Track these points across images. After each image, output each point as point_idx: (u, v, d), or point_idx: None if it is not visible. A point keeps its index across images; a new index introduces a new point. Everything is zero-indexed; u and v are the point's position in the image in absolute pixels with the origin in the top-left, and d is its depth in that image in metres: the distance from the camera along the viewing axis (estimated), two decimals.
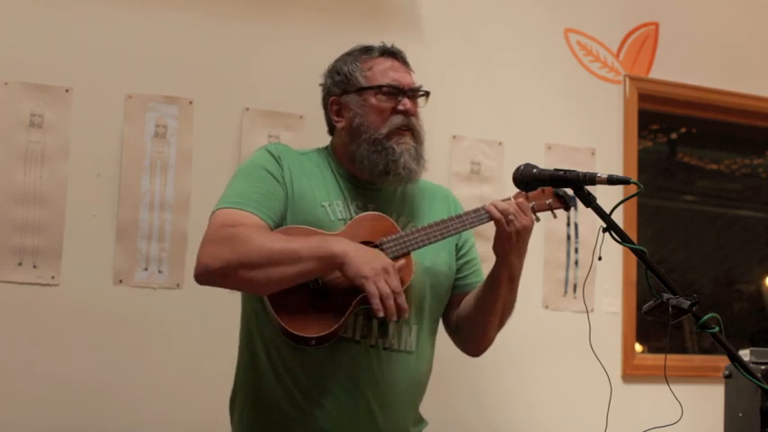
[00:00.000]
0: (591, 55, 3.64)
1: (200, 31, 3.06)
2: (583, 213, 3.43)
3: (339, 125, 2.07)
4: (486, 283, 2.06)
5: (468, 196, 3.13)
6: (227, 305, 2.61)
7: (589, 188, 1.84)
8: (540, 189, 2.06)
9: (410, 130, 2.03)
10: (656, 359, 3.59)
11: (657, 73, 3.74)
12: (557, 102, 3.55)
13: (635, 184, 1.82)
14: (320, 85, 2.14)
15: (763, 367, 2.64)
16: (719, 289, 4.20)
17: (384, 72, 2.05)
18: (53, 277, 2.81)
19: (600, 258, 1.79)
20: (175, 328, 2.91)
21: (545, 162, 3.42)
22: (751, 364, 2.51)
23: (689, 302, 1.73)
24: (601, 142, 3.60)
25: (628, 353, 3.53)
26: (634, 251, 1.78)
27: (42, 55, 2.88)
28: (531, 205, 2.03)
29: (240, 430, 2.02)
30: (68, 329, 2.81)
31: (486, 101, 3.43)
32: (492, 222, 1.99)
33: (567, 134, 3.55)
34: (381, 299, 1.77)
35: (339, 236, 1.90)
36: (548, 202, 2.07)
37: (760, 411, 2.63)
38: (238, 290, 1.99)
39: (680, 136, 4.07)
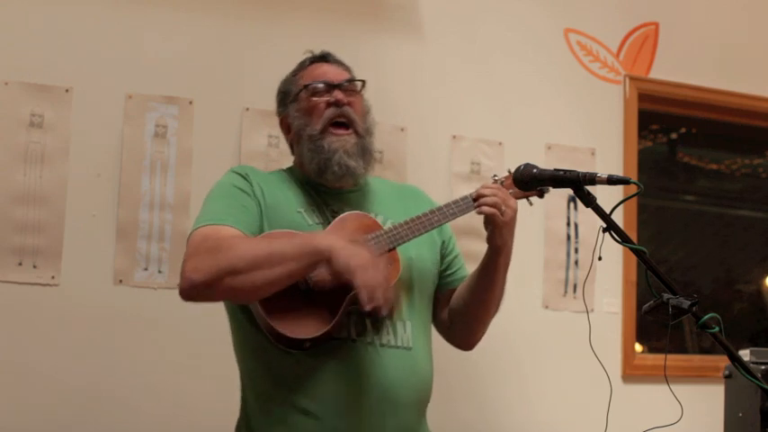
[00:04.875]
0: (591, 55, 3.64)
1: (200, 31, 3.06)
2: (583, 213, 3.44)
3: (289, 139, 2.13)
4: (481, 273, 2.06)
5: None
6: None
7: (589, 188, 1.85)
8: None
9: (347, 122, 2.04)
10: (656, 359, 3.59)
11: (657, 73, 3.74)
12: (557, 102, 3.55)
13: (635, 184, 1.82)
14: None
15: (763, 367, 2.64)
16: (719, 289, 4.20)
17: (313, 75, 2.09)
18: (53, 277, 2.81)
19: (600, 258, 1.80)
20: (175, 328, 2.91)
21: (545, 162, 3.42)
22: (751, 364, 2.52)
23: (689, 302, 1.73)
24: (601, 142, 3.60)
25: (628, 353, 3.53)
26: (634, 251, 1.78)
27: (42, 55, 2.88)
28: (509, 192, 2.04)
29: None
30: (68, 329, 2.81)
31: (486, 101, 3.43)
32: (473, 213, 2.00)
33: (567, 134, 3.55)
34: (370, 292, 1.75)
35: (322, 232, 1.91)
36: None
37: (760, 411, 2.63)
38: (226, 300, 1.96)
39: (680, 136, 4.07)
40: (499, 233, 2.00)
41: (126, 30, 2.97)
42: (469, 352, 3.22)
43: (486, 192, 1.99)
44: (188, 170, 2.98)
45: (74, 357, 2.80)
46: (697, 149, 4.12)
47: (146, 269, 2.91)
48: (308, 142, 2.04)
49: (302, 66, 2.15)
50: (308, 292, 1.87)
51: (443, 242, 2.16)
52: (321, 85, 2.06)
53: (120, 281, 2.89)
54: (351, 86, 2.09)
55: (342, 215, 1.99)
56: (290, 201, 2.01)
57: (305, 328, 1.83)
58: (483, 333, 2.14)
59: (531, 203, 2.12)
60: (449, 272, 2.15)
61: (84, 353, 2.82)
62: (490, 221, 1.99)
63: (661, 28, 3.78)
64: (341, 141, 2.02)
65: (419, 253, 2.05)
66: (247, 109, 3.07)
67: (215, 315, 2.92)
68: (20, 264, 2.79)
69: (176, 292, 2.91)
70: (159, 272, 2.92)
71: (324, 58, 2.14)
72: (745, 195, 4.24)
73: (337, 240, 1.83)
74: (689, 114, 3.93)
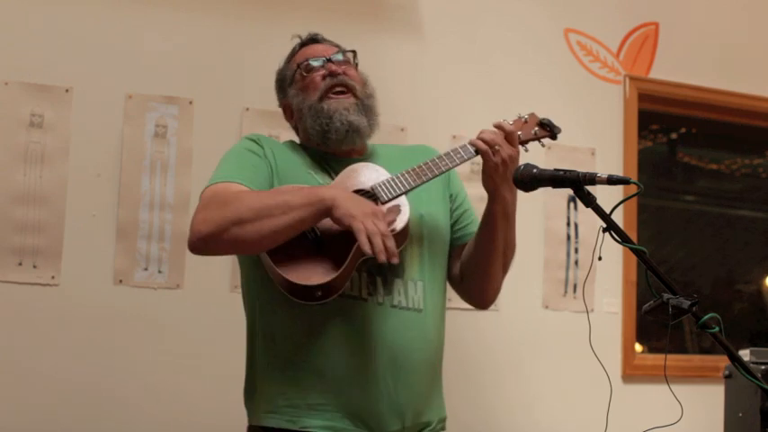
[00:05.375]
0: (591, 55, 3.64)
1: (200, 31, 3.06)
2: (583, 213, 3.44)
3: (293, 122, 2.16)
4: (482, 223, 2.06)
5: (469, 196, 3.16)
6: (227, 305, 2.61)
7: (589, 188, 1.84)
8: (522, 120, 2.09)
9: (346, 90, 2.06)
10: (656, 359, 3.59)
11: (657, 73, 3.74)
12: (557, 102, 3.54)
13: (635, 184, 1.82)
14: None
15: (763, 367, 2.64)
16: (719, 289, 4.20)
17: (305, 55, 2.13)
18: (53, 277, 2.81)
19: (600, 258, 1.79)
20: (175, 328, 2.91)
21: (545, 162, 3.40)
22: (751, 364, 2.52)
23: (689, 302, 1.73)
24: (601, 142, 3.60)
25: (628, 353, 3.53)
26: (634, 251, 1.78)
27: (42, 55, 2.88)
28: (517, 134, 2.03)
29: (260, 415, 1.96)
30: (68, 329, 2.81)
31: (486, 101, 3.43)
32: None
33: (567, 134, 3.50)
34: (368, 236, 1.77)
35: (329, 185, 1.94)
36: (533, 131, 2.09)
37: (760, 411, 2.63)
38: (233, 251, 1.98)
39: (680, 136, 4.07)
40: (489, 175, 2.00)
41: (126, 30, 2.97)
42: (469, 351, 3.23)
43: (486, 130, 2.00)
44: (188, 170, 2.98)
45: (74, 357, 2.80)
46: (697, 149, 4.12)
47: (146, 269, 2.91)
48: (308, 112, 2.06)
49: (293, 51, 2.18)
50: (316, 243, 1.88)
51: (451, 195, 2.15)
52: (314, 62, 2.09)
53: (120, 281, 2.89)
54: (344, 58, 2.12)
55: (351, 166, 2.00)
56: (300, 166, 2.03)
57: (315, 277, 1.83)
58: (494, 291, 2.11)
59: (543, 145, 2.13)
60: (458, 226, 2.14)
61: (84, 353, 2.82)
62: (483, 162, 1.99)
63: (661, 28, 3.78)
64: (339, 102, 2.04)
65: (429, 210, 2.05)
66: (247, 109, 3.07)
67: (215, 315, 2.93)
68: (20, 264, 2.79)
69: (176, 292, 2.94)
70: (159, 272, 2.92)
71: (313, 39, 2.17)
72: (745, 195, 4.24)
73: (341, 191, 1.87)
74: (689, 114, 3.93)
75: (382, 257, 1.78)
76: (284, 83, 2.16)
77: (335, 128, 2.02)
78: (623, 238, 1.80)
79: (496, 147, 1.96)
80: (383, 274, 1.94)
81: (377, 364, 1.89)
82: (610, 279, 3.51)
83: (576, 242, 3.50)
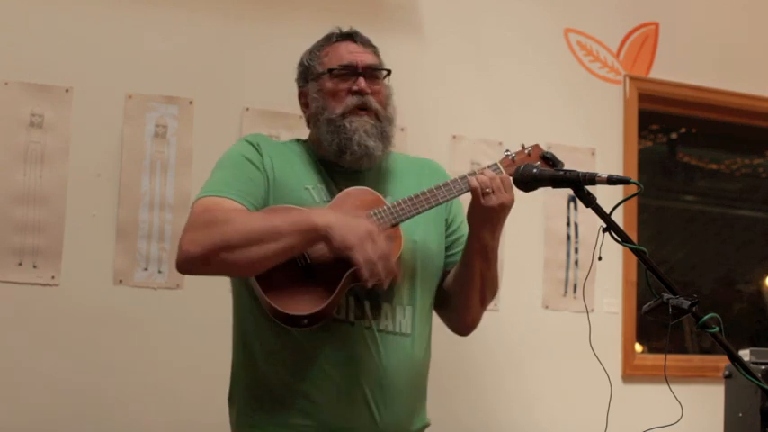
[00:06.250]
0: (591, 55, 3.65)
1: (200, 31, 3.06)
2: (583, 213, 3.44)
3: (306, 114, 2.10)
4: (462, 256, 2.04)
5: (469, 197, 3.15)
6: (227, 305, 2.61)
7: (589, 188, 1.85)
8: (525, 152, 2.05)
9: (369, 109, 2.02)
10: (656, 359, 3.59)
11: (657, 73, 3.74)
12: (557, 102, 3.55)
13: (635, 184, 1.82)
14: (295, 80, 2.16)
15: (763, 367, 2.64)
16: (719, 289, 4.20)
17: (339, 55, 2.06)
18: (53, 277, 2.81)
19: (600, 258, 1.79)
20: (175, 328, 2.91)
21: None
22: (751, 364, 2.51)
23: (689, 302, 1.73)
24: (601, 142, 3.60)
25: (628, 353, 3.53)
26: (634, 251, 1.78)
27: (42, 55, 2.88)
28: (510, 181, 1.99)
29: (241, 426, 1.98)
30: (68, 329, 2.81)
31: (486, 101, 3.43)
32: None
33: (567, 134, 3.55)
34: (369, 266, 1.76)
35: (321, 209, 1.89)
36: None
37: (760, 411, 2.63)
38: (222, 274, 1.95)
39: (680, 136, 4.07)
40: (472, 213, 1.97)
41: (126, 30, 2.97)
42: (469, 351, 3.23)
43: (486, 171, 1.97)
44: (188, 170, 2.98)
45: (74, 357, 2.80)
46: (697, 149, 4.12)
47: (146, 269, 2.91)
48: (326, 125, 2.01)
49: (328, 40, 2.11)
50: (306, 269, 1.86)
51: (446, 220, 2.12)
52: (345, 71, 2.03)
53: (120, 281, 2.89)
54: (374, 73, 2.06)
55: (345, 190, 1.96)
56: (299, 176, 1.99)
57: (302, 305, 1.81)
58: (471, 321, 2.10)
59: None
60: (448, 252, 2.11)
61: (84, 353, 2.82)
62: (471, 199, 1.97)
63: (661, 28, 3.78)
64: (361, 122, 1.99)
65: (424, 237, 2.03)
66: (247, 109, 3.07)
67: (215, 315, 2.92)
68: (20, 264, 2.79)
69: (176, 292, 2.94)
70: (159, 272, 2.93)
71: (351, 36, 2.10)
72: (745, 195, 4.24)
73: (334, 216, 1.82)
74: (689, 114, 3.93)
75: (385, 286, 1.80)
76: (308, 73, 2.09)
77: (353, 150, 1.98)
78: (623, 238, 1.80)
79: (487, 190, 1.93)
80: (372, 298, 1.92)
81: (362, 388, 1.88)
82: (610, 279, 3.51)
83: (576, 242, 3.50)
